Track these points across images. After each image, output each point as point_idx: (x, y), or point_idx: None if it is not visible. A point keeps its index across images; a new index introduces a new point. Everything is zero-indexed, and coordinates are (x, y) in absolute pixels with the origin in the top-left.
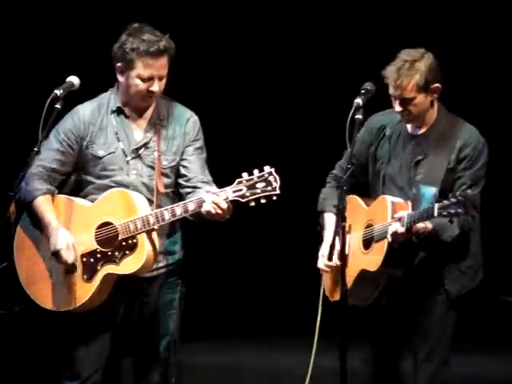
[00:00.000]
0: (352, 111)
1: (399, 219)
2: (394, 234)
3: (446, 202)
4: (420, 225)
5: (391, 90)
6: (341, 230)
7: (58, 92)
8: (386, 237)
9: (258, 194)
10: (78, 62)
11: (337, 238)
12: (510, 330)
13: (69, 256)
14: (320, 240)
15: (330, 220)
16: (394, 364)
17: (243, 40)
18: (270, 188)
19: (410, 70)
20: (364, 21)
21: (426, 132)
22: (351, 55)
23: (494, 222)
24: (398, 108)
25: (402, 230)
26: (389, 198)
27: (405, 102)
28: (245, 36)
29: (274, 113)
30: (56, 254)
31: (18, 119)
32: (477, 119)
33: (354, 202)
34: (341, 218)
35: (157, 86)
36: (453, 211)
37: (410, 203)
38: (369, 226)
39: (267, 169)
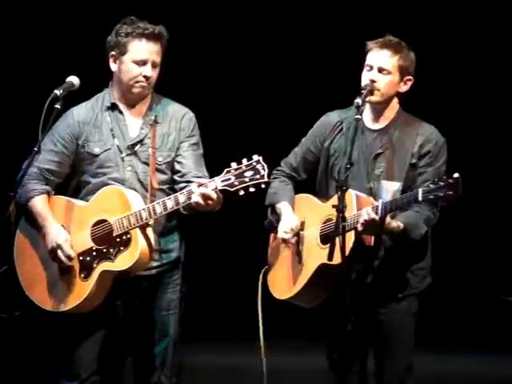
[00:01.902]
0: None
1: (373, 208)
2: (369, 222)
3: (432, 185)
4: (393, 224)
5: (371, 59)
6: (341, 231)
7: (57, 92)
8: (353, 228)
9: (247, 182)
10: (78, 62)
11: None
12: (510, 330)
13: (70, 251)
14: (267, 236)
15: (285, 206)
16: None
17: (234, 34)
18: (258, 176)
19: (397, 46)
20: (364, 19)
21: (386, 127)
22: (350, 51)
23: (493, 222)
24: (371, 76)
25: (374, 216)
26: (353, 192)
27: (379, 73)
28: (236, 29)
29: (265, 106)
30: (54, 251)
31: (18, 119)
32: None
33: (307, 199)
34: (341, 218)
35: (150, 71)
36: (441, 194)
37: (372, 199)
38: (328, 220)
39: (255, 157)
